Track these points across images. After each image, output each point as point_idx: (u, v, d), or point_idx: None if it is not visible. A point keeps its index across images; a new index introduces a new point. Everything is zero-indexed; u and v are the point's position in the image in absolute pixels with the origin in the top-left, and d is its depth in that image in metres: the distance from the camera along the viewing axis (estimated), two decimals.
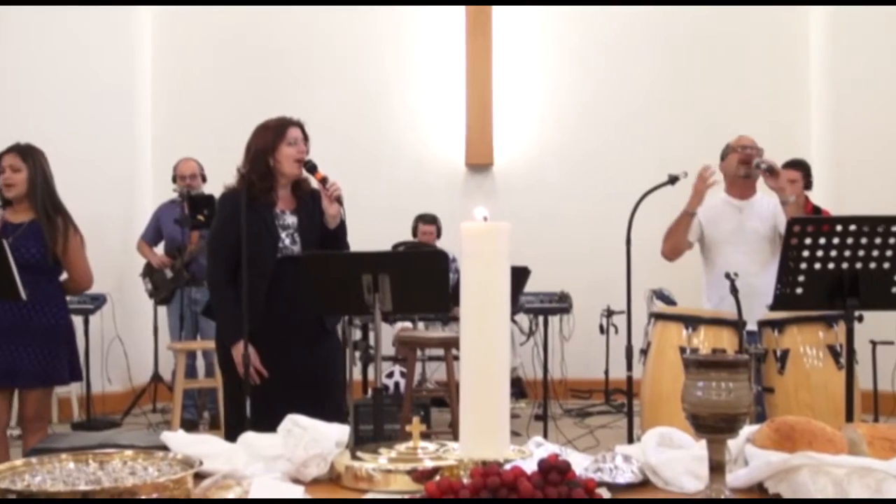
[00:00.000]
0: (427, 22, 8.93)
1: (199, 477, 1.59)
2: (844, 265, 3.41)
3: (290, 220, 3.92)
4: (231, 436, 2.01)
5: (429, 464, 1.64)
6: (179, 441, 1.80)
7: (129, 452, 1.66)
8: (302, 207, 3.94)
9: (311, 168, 3.86)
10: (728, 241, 4.65)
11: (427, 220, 7.89)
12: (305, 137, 3.94)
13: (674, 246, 4.71)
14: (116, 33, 8.40)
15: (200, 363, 7.13)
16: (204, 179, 7.11)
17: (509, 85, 8.86)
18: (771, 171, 4.46)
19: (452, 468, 1.50)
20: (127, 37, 8.60)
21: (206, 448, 1.76)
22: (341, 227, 3.95)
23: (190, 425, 6.58)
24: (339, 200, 3.84)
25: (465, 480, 1.38)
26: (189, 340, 6.81)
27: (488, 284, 1.44)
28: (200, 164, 7.14)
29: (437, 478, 1.46)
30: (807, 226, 3.42)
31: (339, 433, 1.78)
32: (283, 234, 3.87)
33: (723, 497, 1.41)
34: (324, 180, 3.82)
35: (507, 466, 1.38)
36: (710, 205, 4.73)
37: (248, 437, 1.82)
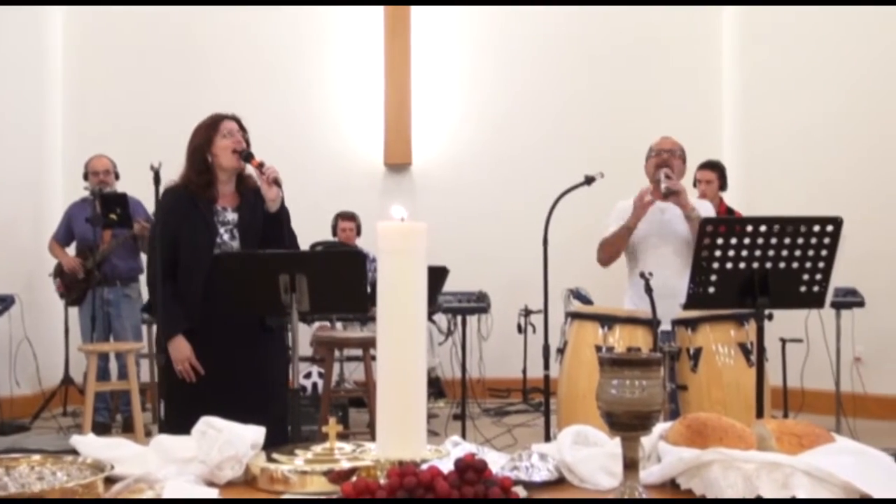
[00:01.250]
0: (346, 21, 8.89)
1: (110, 481, 1.56)
2: (755, 265, 3.49)
3: (231, 216, 3.93)
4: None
5: (345, 465, 1.63)
6: (90, 445, 1.75)
7: (36, 457, 1.62)
8: (244, 204, 3.95)
9: (248, 156, 3.88)
10: (650, 241, 4.69)
11: (346, 216, 7.87)
12: (243, 130, 3.97)
13: (610, 255, 4.73)
14: (27, 32, 8.19)
15: (113, 365, 6.99)
16: (117, 177, 6.97)
17: (428, 85, 8.87)
18: (667, 195, 4.49)
19: (369, 469, 1.49)
20: (38, 35, 8.39)
21: (118, 452, 1.73)
22: (283, 210, 3.95)
23: (102, 429, 6.45)
24: (277, 183, 3.85)
25: (382, 481, 1.38)
26: (101, 342, 6.67)
27: (405, 284, 1.43)
28: (113, 162, 7.00)
29: (354, 479, 1.45)
30: (719, 226, 3.49)
31: (254, 435, 1.76)
32: (222, 230, 3.89)
33: (636, 493, 1.43)
34: (260, 165, 3.84)
35: (424, 466, 1.38)
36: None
37: (161, 440, 1.78)
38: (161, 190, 3.98)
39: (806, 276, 3.55)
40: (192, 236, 3.83)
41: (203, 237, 3.84)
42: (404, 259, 1.43)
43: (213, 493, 1.59)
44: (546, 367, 4.76)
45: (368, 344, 5.86)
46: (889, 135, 7.33)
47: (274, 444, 1.80)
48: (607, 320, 4.22)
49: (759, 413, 3.60)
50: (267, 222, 3.92)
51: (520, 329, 8.12)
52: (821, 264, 3.54)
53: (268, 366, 3.86)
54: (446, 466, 1.40)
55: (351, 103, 8.89)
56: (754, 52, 8.55)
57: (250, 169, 3.94)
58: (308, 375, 7.12)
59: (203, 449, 1.70)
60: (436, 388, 8.05)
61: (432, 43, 8.90)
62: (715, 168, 6.68)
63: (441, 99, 8.94)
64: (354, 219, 7.87)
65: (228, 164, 3.89)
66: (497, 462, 1.69)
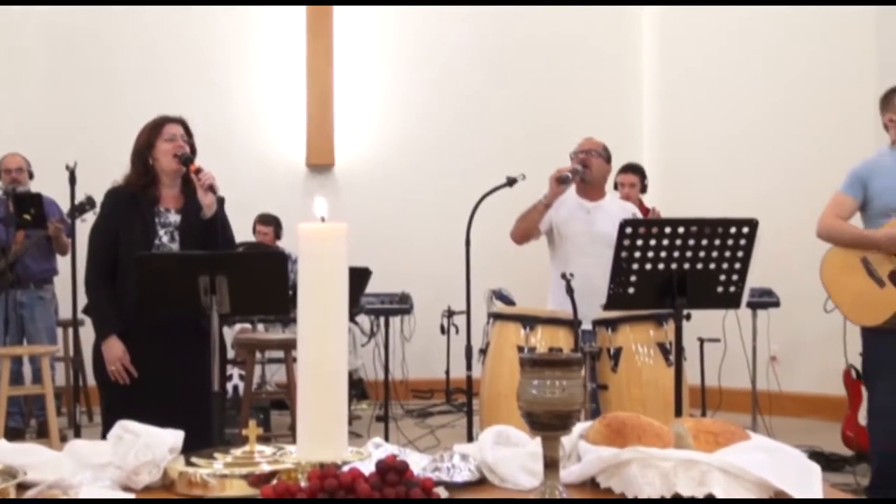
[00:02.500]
0: (268, 20, 8.81)
1: (23, 488, 1.53)
2: (674, 266, 3.55)
3: (174, 218, 3.91)
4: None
5: (265, 468, 1.62)
6: (1, 450, 1.71)
7: None
8: (189, 206, 3.91)
9: (186, 160, 3.86)
10: (575, 240, 4.74)
11: (265, 220, 7.79)
12: (189, 134, 3.97)
13: (524, 231, 4.76)
14: None
15: (27, 369, 6.82)
16: (31, 176, 6.80)
17: (351, 85, 8.84)
18: (573, 175, 4.57)
19: (290, 471, 1.48)
20: None
21: (31, 457, 1.68)
22: (218, 217, 3.91)
23: (15, 434, 6.28)
24: (212, 189, 3.80)
25: (303, 483, 1.37)
26: (15, 345, 6.51)
27: (326, 285, 1.43)
28: (27, 160, 6.83)
29: (274, 482, 1.44)
30: (638, 227, 3.54)
31: (173, 439, 1.73)
32: (161, 232, 3.86)
33: (556, 493, 1.44)
34: (198, 171, 3.82)
35: (345, 468, 1.37)
36: (563, 203, 4.82)
37: (76, 445, 1.75)
38: (106, 190, 3.96)
39: (723, 277, 3.63)
40: (130, 237, 3.80)
41: (141, 238, 3.80)
42: (325, 261, 1.42)
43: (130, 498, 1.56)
44: (468, 367, 4.78)
45: (290, 346, 5.82)
46: (804, 138, 7.50)
47: (200, 447, 1.78)
48: (529, 321, 4.25)
49: (678, 411, 3.66)
50: (204, 230, 3.89)
51: (443, 330, 8.13)
52: (737, 265, 3.61)
53: (199, 369, 3.80)
54: (368, 468, 1.40)
55: (273, 103, 8.81)
56: (674, 53, 8.70)
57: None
58: (229, 378, 7.03)
59: (119, 454, 1.67)
60: (358, 389, 8.02)
61: (355, 43, 8.87)
62: (636, 171, 6.77)
63: (364, 99, 8.91)
64: (273, 223, 7.79)
65: (168, 167, 3.88)
66: (419, 463, 1.69)
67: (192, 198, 3.90)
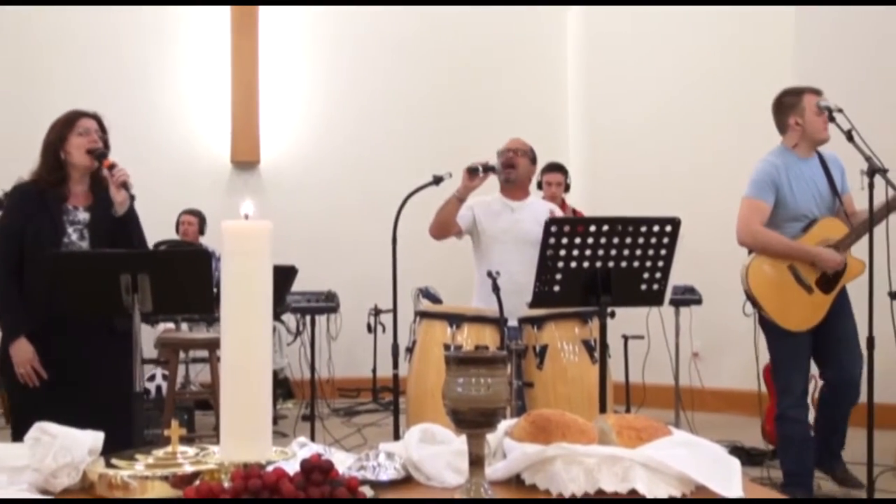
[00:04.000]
0: (192, 18, 8.69)
1: None
2: (598, 264, 3.58)
3: (83, 216, 3.82)
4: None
5: (188, 468, 1.59)
6: None
7: None
8: (98, 204, 3.83)
9: (100, 156, 3.78)
10: (499, 239, 4.76)
11: (189, 212, 7.74)
12: (103, 129, 3.87)
13: (439, 225, 4.76)
14: None
15: None
16: None
17: (277, 83, 8.78)
18: (484, 168, 4.60)
19: (213, 472, 1.46)
20: None
21: None
22: (130, 215, 3.83)
23: None
24: (125, 186, 3.73)
25: (226, 484, 1.36)
26: None
27: (250, 284, 1.41)
28: None
29: (197, 482, 1.42)
30: (563, 226, 3.57)
31: (92, 440, 1.70)
32: (70, 230, 3.77)
33: (481, 490, 1.45)
34: (112, 166, 3.74)
35: (270, 468, 1.36)
36: (487, 202, 4.84)
37: None
38: (11, 186, 3.87)
39: (646, 275, 3.68)
40: (38, 235, 3.70)
41: (49, 236, 3.71)
42: (249, 259, 1.41)
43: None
44: (395, 366, 4.77)
45: (214, 345, 5.75)
46: (726, 139, 7.63)
47: (119, 449, 1.75)
48: (455, 319, 4.26)
49: (602, 408, 3.70)
50: (113, 226, 3.81)
51: (369, 328, 8.12)
52: (660, 263, 3.66)
53: (114, 369, 3.73)
54: (292, 468, 1.38)
55: (197, 100, 8.71)
56: (599, 53, 8.78)
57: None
58: (152, 378, 6.93)
59: (37, 456, 1.63)
60: (284, 388, 7.96)
61: (281, 41, 8.81)
62: (561, 170, 6.83)
63: (290, 97, 8.85)
64: (198, 214, 7.72)
65: (80, 162, 3.79)
66: (344, 462, 1.68)
67: (102, 196, 3.82)
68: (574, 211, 6.89)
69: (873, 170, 4.07)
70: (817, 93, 4.62)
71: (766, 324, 4.68)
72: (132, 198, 3.80)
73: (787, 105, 4.71)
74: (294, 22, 8.85)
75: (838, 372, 4.65)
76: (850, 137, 4.18)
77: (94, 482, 1.63)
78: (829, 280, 4.58)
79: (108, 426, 1.75)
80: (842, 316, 4.65)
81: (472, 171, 4.55)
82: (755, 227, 4.60)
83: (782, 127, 4.75)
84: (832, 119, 4.45)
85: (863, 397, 4.32)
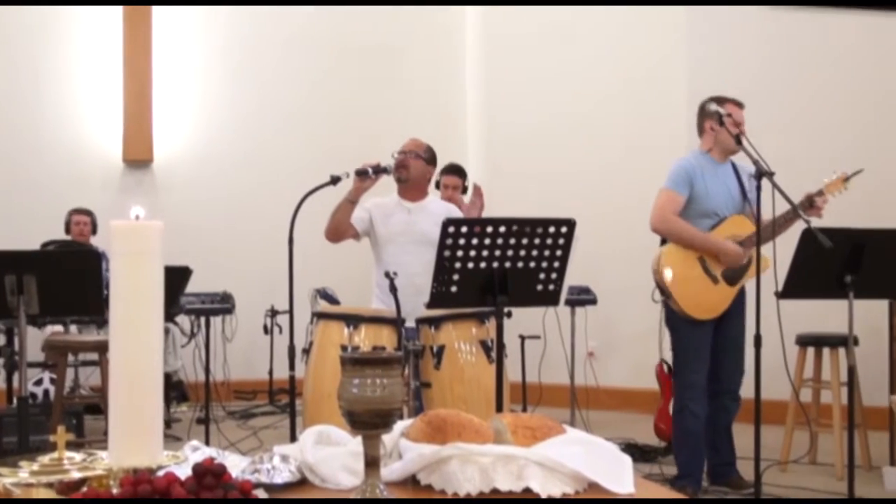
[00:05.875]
0: (83, 17, 8.45)
1: None
2: (495, 264, 3.61)
3: None
4: None
5: (75, 475, 1.55)
6: None
7: None
8: None
9: None
10: (396, 240, 4.76)
11: (81, 210, 7.55)
12: None
13: (334, 228, 4.75)
14: None
15: None
16: None
17: (171, 82, 8.60)
18: (374, 170, 4.61)
19: (101, 478, 1.43)
20: None
21: None
22: None
23: None
24: None
25: (115, 490, 1.32)
26: None
27: (140, 285, 1.39)
28: None
29: (85, 489, 1.39)
30: (460, 227, 3.58)
31: None
32: None
33: (377, 491, 1.44)
34: None
35: (160, 473, 1.34)
36: (384, 203, 4.84)
37: None
38: None
39: (542, 276, 3.72)
40: None
41: None
42: (139, 259, 1.38)
43: None
44: (291, 367, 4.72)
45: (104, 348, 5.61)
46: (622, 139, 7.76)
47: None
48: (353, 320, 4.24)
49: (499, 408, 3.73)
50: None
51: (266, 330, 8.03)
52: (556, 264, 3.71)
53: None
54: (184, 472, 1.36)
55: (88, 99, 8.48)
56: (497, 55, 8.84)
57: None
58: (39, 382, 6.74)
59: None
60: (178, 391, 7.81)
61: (175, 39, 8.64)
62: (459, 173, 6.84)
63: (184, 96, 8.69)
64: (89, 214, 7.54)
65: None
66: (238, 465, 1.65)
67: None
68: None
69: (761, 173, 4.19)
70: (740, 105, 4.79)
71: (673, 315, 4.80)
72: None
73: (707, 109, 4.85)
74: (188, 21, 8.70)
75: (722, 371, 4.82)
76: (738, 141, 4.30)
77: None
78: (735, 273, 4.74)
79: None
80: (734, 314, 4.82)
81: (360, 174, 4.55)
82: (666, 214, 4.76)
83: (700, 130, 4.90)
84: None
85: (750, 393, 4.44)
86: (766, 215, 4.47)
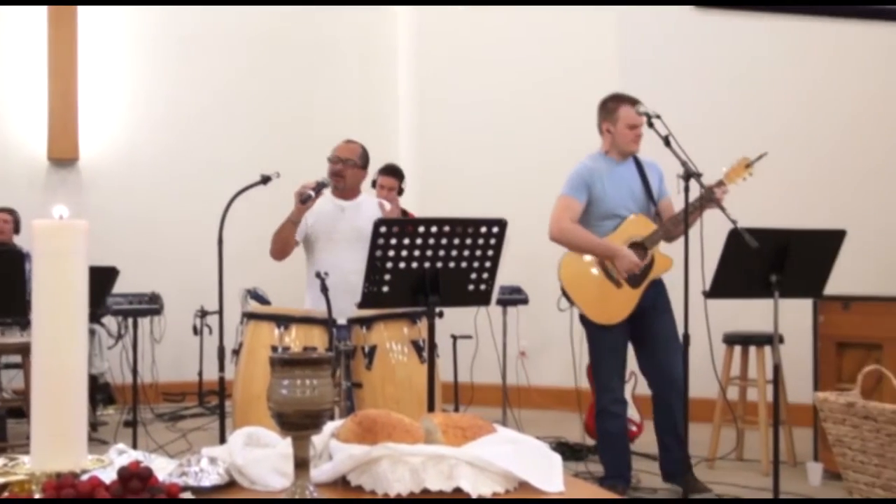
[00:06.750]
0: (7, 15, 8.27)
1: None
2: (427, 264, 3.61)
3: None
4: None
5: None
6: None
7: None
8: None
9: None
10: (330, 239, 4.74)
11: (3, 209, 7.39)
12: None
13: (280, 249, 4.72)
14: None
15: None
16: None
17: (97, 80, 8.45)
18: (317, 191, 4.55)
19: (22, 483, 1.39)
20: None
21: None
22: None
23: None
24: None
25: (38, 495, 1.30)
26: None
27: (63, 285, 1.36)
28: None
29: (5, 494, 1.35)
30: (392, 227, 3.58)
31: None
32: None
33: (307, 492, 1.43)
34: None
35: (84, 477, 1.31)
36: (317, 203, 4.80)
37: None
38: None
39: (474, 275, 3.73)
40: None
41: None
42: (62, 260, 1.36)
43: None
44: (221, 368, 4.67)
45: (27, 350, 5.48)
46: (552, 139, 7.80)
47: None
48: (283, 320, 4.21)
49: (431, 408, 3.73)
50: None
51: (195, 331, 7.93)
52: (487, 264, 3.72)
53: None
54: (110, 476, 1.34)
55: (11, 94, 8.30)
56: (430, 54, 8.83)
57: None
58: None
59: None
60: (105, 394, 7.69)
61: (102, 38, 8.49)
62: (395, 174, 6.84)
63: (111, 94, 8.55)
64: (12, 212, 7.38)
65: None
66: (165, 469, 1.63)
67: None
68: (405, 212, 6.91)
69: (688, 174, 4.24)
70: (634, 103, 4.72)
71: (584, 319, 4.83)
72: None
73: (605, 111, 4.89)
74: (115, 19, 8.55)
75: (658, 371, 4.82)
76: (667, 143, 4.34)
77: None
78: (637, 275, 4.75)
79: None
80: (660, 313, 4.83)
81: (305, 201, 4.48)
82: (563, 223, 4.79)
83: (599, 130, 4.92)
84: (650, 125, 4.60)
85: None
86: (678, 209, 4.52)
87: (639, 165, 4.90)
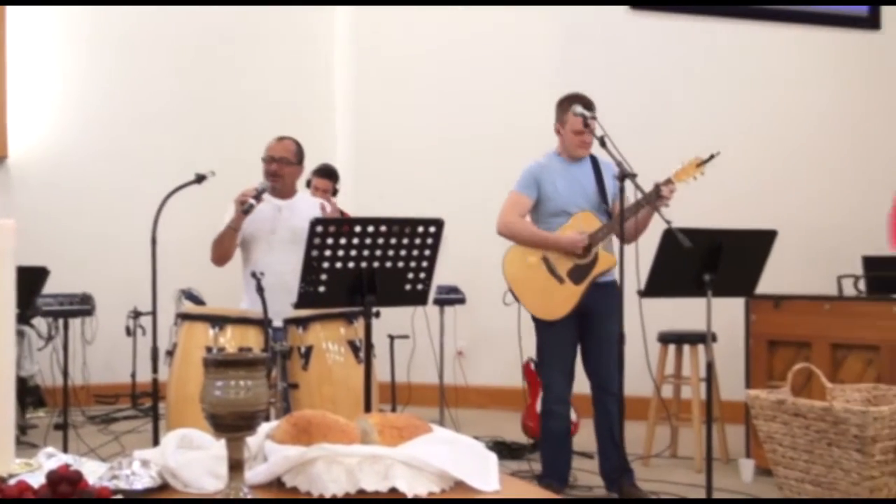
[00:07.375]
0: None
1: None
2: (363, 264, 3.60)
3: None
4: None
5: None
6: None
7: None
8: None
9: None
10: (265, 238, 4.69)
11: None
12: None
13: (221, 256, 4.67)
14: None
15: None
16: None
17: (27, 77, 8.28)
18: (258, 197, 4.51)
19: None
20: None
21: None
22: None
23: None
24: None
25: None
26: None
27: None
28: None
29: None
30: (328, 226, 3.56)
31: None
32: None
33: (241, 494, 1.42)
34: None
35: (12, 481, 1.28)
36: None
37: None
38: None
39: (411, 275, 3.73)
40: None
41: None
42: None
43: None
44: (154, 370, 4.61)
45: None
46: (491, 140, 7.82)
47: None
48: (218, 321, 4.17)
49: (368, 408, 3.72)
50: None
51: (128, 332, 7.81)
52: (424, 263, 3.72)
53: None
54: (38, 480, 1.31)
55: None
56: (368, 54, 8.79)
57: None
58: None
59: None
60: (35, 396, 7.54)
61: (32, 35, 8.32)
62: (330, 176, 6.80)
63: (42, 91, 8.38)
64: None
65: None
66: (96, 472, 1.61)
67: None
68: (341, 212, 6.88)
69: (623, 174, 4.27)
70: (587, 105, 4.70)
71: (533, 316, 4.85)
72: None
73: (559, 110, 4.91)
74: (47, 18, 8.39)
75: (597, 376, 4.85)
76: (602, 143, 4.37)
77: None
78: (580, 272, 4.78)
79: None
80: (609, 314, 4.68)
81: (247, 212, 4.43)
82: (509, 217, 4.83)
83: (554, 128, 4.95)
84: (586, 125, 4.65)
85: None
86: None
87: (595, 165, 4.93)
